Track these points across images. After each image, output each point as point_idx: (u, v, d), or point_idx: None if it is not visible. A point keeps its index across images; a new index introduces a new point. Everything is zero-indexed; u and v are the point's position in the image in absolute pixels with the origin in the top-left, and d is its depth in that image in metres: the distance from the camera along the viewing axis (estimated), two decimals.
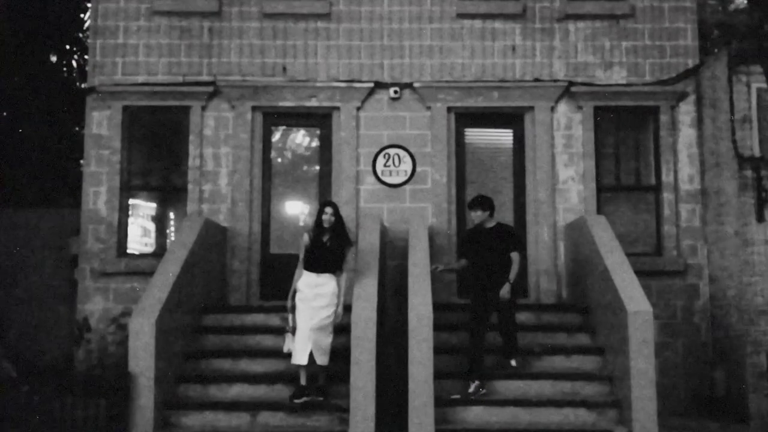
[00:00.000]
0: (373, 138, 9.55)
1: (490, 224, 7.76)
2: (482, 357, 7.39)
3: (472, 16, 9.72)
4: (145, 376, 6.79)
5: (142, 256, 9.55)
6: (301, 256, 7.31)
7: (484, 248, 7.64)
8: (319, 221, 7.36)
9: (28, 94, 12.96)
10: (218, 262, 9.12)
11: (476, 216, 7.75)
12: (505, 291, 7.38)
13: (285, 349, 7.21)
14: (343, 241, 7.39)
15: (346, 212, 9.34)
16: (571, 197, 9.46)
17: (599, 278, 7.79)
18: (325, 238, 7.30)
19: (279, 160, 9.92)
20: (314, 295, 7.09)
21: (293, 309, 7.17)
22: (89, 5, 11.35)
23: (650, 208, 9.62)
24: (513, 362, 7.53)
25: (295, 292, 7.22)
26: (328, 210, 7.36)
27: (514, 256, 7.56)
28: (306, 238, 7.35)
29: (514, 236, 7.79)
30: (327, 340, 7.08)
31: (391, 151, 9.53)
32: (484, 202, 7.78)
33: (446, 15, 9.74)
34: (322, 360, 7.05)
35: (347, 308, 7.20)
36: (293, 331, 7.11)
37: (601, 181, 9.57)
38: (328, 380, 7.20)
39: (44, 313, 9.90)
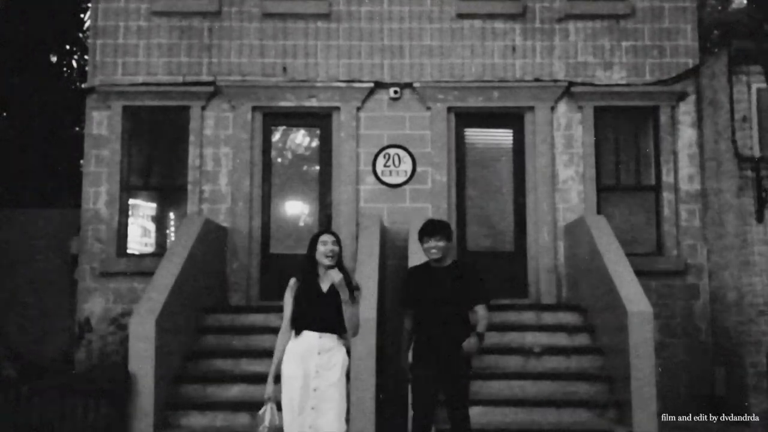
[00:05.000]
0: (373, 138, 9.54)
1: (447, 262, 5.57)
2: None
3: (472, 16, 9.72)
4: (145, 376, 6.79)
5: (142, 256, 9.55)
6: (287, 312, 4.91)
7: (438, 297, 5.42)
8: (312, 257, 4.95)
9: (28, 94, 12.96)
10: (218, 262, 9.12)
11: (435, 249, 5.47)
12: (470, 344, 5.26)
13: None
14: (350, 283, 4.92)
15: (347, 212, 9.35)
16: (571, 197, 9.45)
17: (599, 278, 7.78)
18: (326, 283, 4.90)
19: (279, 160, 9.91)
20: (316, 369, 4.71)
21: (274, 398, 4.76)
22: (89, 5, 11.35)
23: (650, 208, 9.62)
24: None
25: (278, 370, 4.83)
26: (327, 239, 4.94)
27: (480, 310, 5.45)
28: (293, 283, 4.97)
29: (479, 281, 5.57)
30: None
31: (391, 151, 9.53)
32: (444, 230, 5.55)
33: (446, 15, 9.74)
34: None
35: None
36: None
37: (601, 181, 9.56)
38: None
39: (44, 313, 9.89)
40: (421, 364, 5.43)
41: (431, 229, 5.53)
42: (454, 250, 5.75)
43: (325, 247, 4.89)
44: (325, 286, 4.91)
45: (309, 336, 4.79)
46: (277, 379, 4.80)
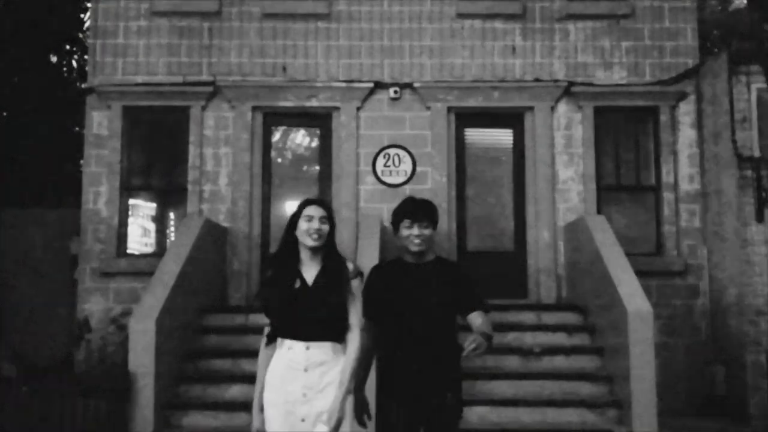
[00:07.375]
0: (373, 138, 9.54)
1: (429, 257, 4.04)
2: None
3: (472, 16, 9.72)
4: (145, 376, 6.79)
5: (142, 256, 9.55)
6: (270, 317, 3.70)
7: (417, 304, 3.85)
8: (290, 236, 3.78)
9: (28, 94, 12.96)
10: (218, 262, 9.12)
11: (419, 238, 3.93)
12: (472, 341, 3.55)
13: None
14: (342, 269, 3.70)
15: (347, 213, 9.34)
16: (571, 197, 9.45)
17: (599, 278, 7.78)
18: (312, 272, 3.69)
19: (279, 160, 9.92)
20: (303, 391, 3.54)
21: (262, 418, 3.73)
22: (89, 5, 11.35)
23: (650, 208, 9.62)
24: None
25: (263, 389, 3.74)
26: (314, 212, 3.73)
27: (479, 317, 3.86)
28: (269, 274, 3.75)
29: (473, 285, 4.01)
30: None
31: (391, 151, 9.53)
32: (430, 213, 4.03)
33: (446, 15, 9.74)
34: None
35: None
36: None
37: (601, 181, 9.56)
38: None
39: (44, 313, 9.89)
40: (392, 398, 3.86)
41: (413, 211, 3.96)
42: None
43: (309, 224, 3.67)
44: (309, 276, 3.66)
45: (295, 348, 3.56)
46: None
